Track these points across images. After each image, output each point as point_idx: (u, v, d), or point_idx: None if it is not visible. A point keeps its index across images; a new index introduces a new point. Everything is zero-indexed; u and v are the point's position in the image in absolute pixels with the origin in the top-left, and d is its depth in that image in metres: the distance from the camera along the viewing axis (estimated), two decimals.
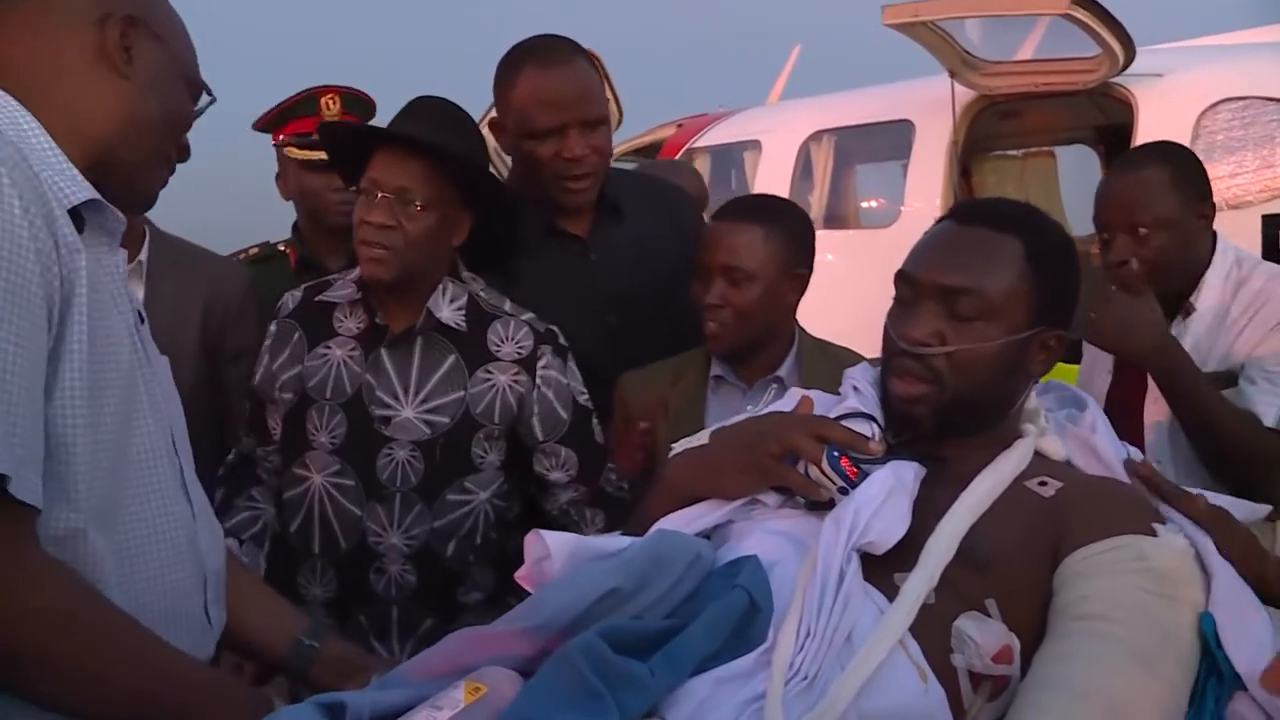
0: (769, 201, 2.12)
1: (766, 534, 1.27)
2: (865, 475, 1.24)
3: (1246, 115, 4.46)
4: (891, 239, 5.43)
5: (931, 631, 1.13)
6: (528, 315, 1.87)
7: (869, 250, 5.50)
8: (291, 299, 1.89)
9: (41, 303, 1.05)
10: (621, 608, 1.11)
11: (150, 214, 1.36)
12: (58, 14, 1.21)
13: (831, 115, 6.33)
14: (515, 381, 1.82)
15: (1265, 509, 1.47)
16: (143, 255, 2.27)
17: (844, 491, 1.23)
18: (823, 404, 1.47)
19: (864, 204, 6.72)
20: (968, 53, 5.07)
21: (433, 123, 1.79)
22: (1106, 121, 5.43)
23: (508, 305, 1.88)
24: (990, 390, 1.35)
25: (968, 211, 1.44)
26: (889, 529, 1.19)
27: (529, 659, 1.08)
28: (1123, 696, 1.07)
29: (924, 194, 5.52)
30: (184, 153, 1.32)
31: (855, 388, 1.44)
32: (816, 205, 6.16)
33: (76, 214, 1.16)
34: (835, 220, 6.15)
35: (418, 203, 1.73)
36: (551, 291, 1.98)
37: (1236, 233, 4.24)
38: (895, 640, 1.11)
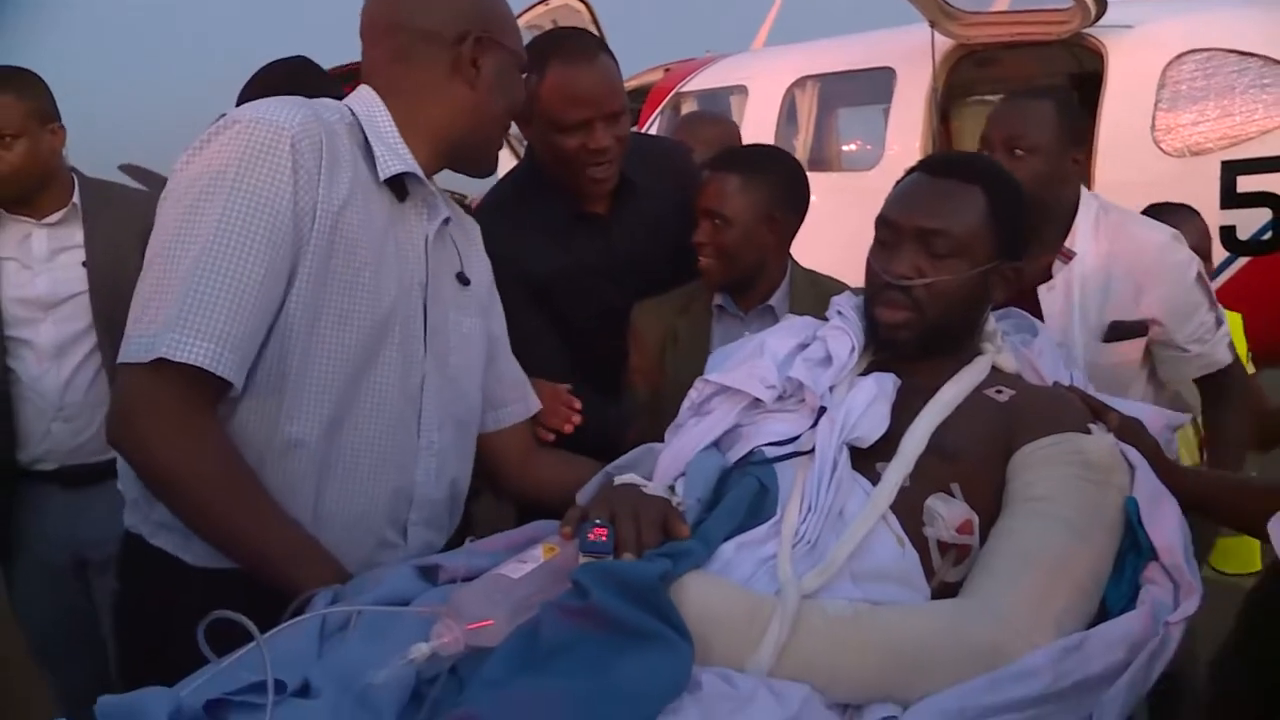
0: (757, 151, 2.28)
1: (770, 434, 1.52)
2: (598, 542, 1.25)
3: (1209, 66, 4.61)
4: (873, 181, 5.56)
5: (907, 509, 1.37)
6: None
7: (852, 191, 5.62)
8: None
9: (289, 246, 1.36)
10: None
11: None
12: (436, 38, 1.50)
13: (816, 62, 6.43)
14: None
15: (1185, 417, 1.71)
16: (75, 199, 2.51)
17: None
18: (807, 326, 1.70)
19: (847, 147, 6.84)
20: (947, 3, 5.18)
21: None
22: (1080, 69, 5.54)
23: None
24: (961, 315, 1.57)
25: (938, 165, 1.66)
26: (873, 427, 1.44)
27: None
28: (1061, 560, 1.30)
29: (904, 138, 5.66)
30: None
31: (840, 312, 1.66)
32: (801, 149, 6.29)
33: (399, 183, 1.49)
34: (819, 163, 6.26)
35: None
36: (583, 264, 2.16)
37: (1198, 177, 4.47)
38: (880, 515, 1.34)
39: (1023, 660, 1.21)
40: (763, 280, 2.14)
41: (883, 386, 1.49)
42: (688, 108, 6.84)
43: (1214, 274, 4.40)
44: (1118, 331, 2.19)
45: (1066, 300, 2.18)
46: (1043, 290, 2.18)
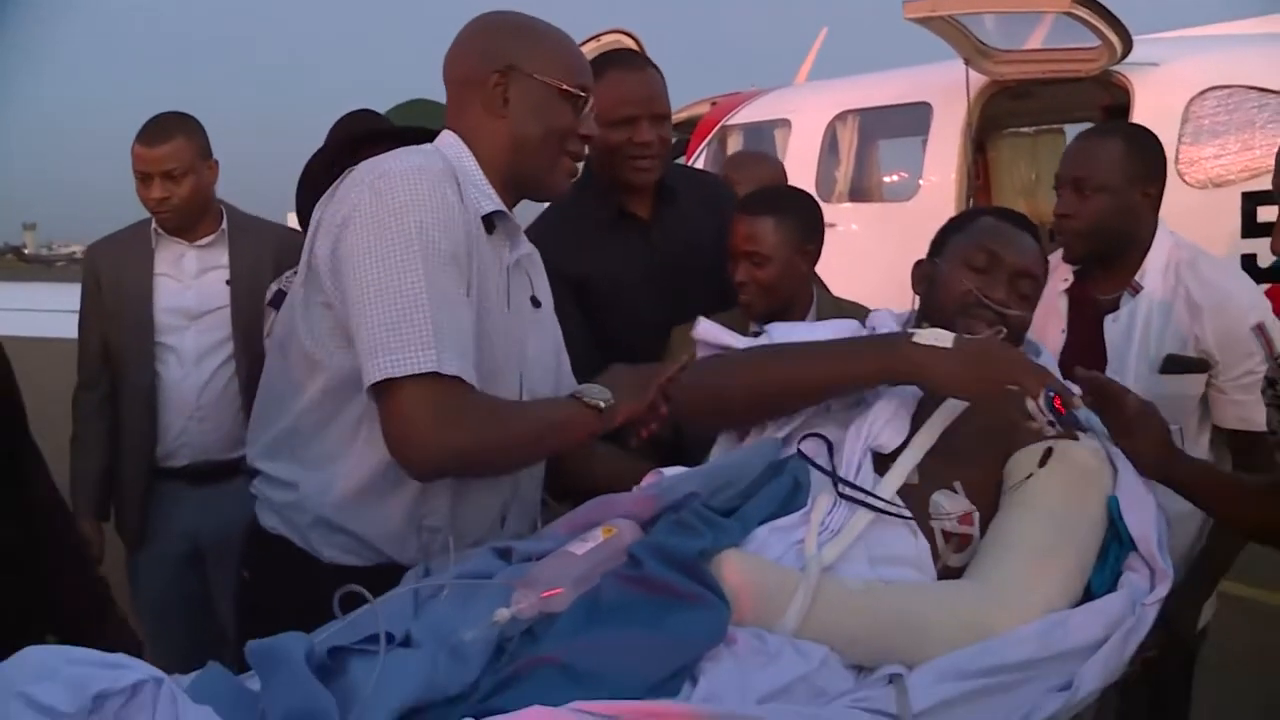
0: (779, 192, 2.58)
1: (811, 439, 1.73)
2: (1073, 415, 1.55)
3: (1231, 102, 4.84)
4: (911, 211, 5.79)
5: (917, 504, 1.59)
6: None
7: (891, 220, 5.85)
8: None
9: (467, 266, 1.59)
10: (717, 494, 1.59)
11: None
12: (471, 82, 1.69)
13: (856, 96, 6.69)
14: None
15: (1171, 428, 1.82)
16: (224, 225, 2.88)
17: (1052, 424, 1.55)
18: (850, 326, 1.93)
19: (886, 179, 7.04)
20: (981, 42, 5.42)
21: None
22: (1111, 101, 5.74)
23: None
24: (1017, 344, 1.80)
25: (1009, 216, 1.91)
26: (893, 435, 1.67)
27: (646, 521, 1.56)
28: (1049, 549, 1.53)
29: (941, 170, 5.89)
30: (586, 140, 1.75)
31: (876, 327, 1.90)
32: (842, 180, 6.53)
33: (489, 219, 1.68)
34: (860, 194, 6.50)
35: None
36: (622, 266, 2.42)
37: (1220, 208, 4.66)
38: (888, 496, 1.57)
39: (1013, 632, 1.42)
40: (796, 307, 2.39)
41: (904, 398, 1.72)
42: (734, 140, 7.10)
43: None
44: (1173, 364, 2.22)
45: (1128, 332, 2.25)
46: (1108, 321, 2.27)
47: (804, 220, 2.38)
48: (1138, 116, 5.03)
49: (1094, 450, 1.67)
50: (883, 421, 1.69)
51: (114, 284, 2.85)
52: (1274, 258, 4.57)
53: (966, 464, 1.66)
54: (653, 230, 2.49)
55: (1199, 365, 2.22)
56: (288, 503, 1.69)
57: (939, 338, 1.65)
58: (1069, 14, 4.70)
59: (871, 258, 4.50)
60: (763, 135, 7.03)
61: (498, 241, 1.72)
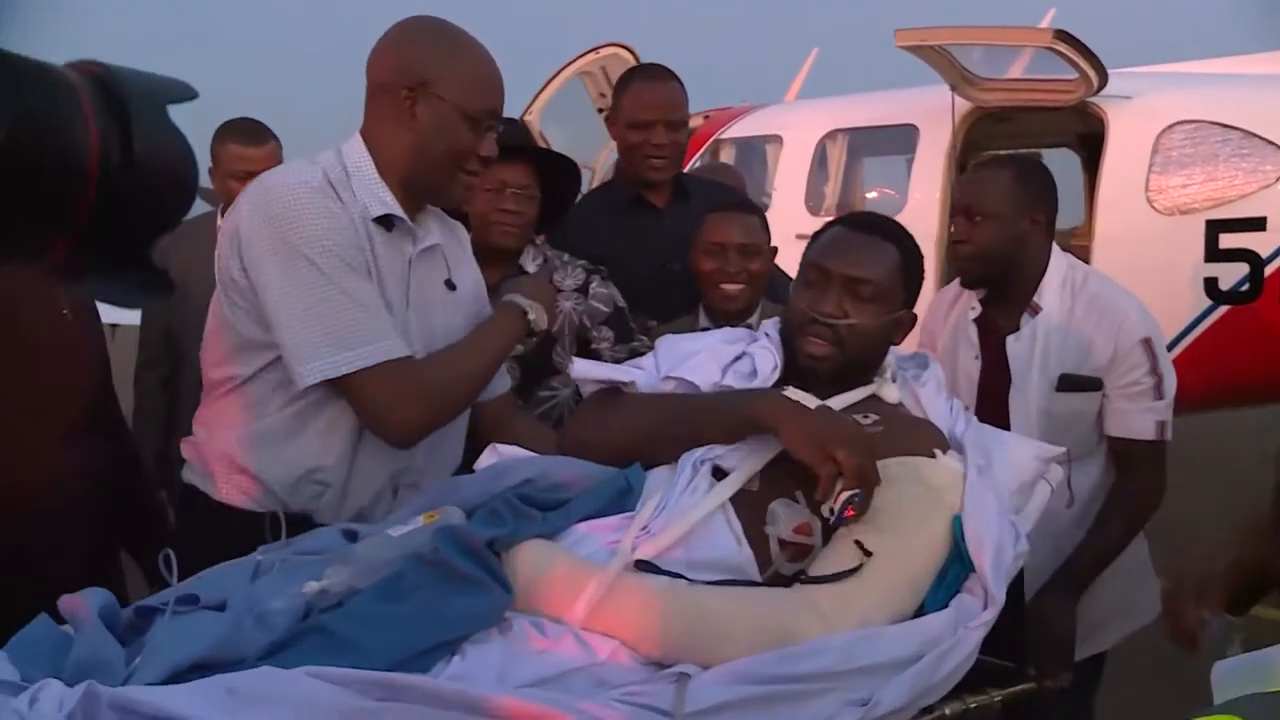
0: (746, 201, 2.84)
1: None
2: (846, 520, 1.53)
3: (1197, 136, 5.02)
4: None
5: (753, 510, 1.58)
6: (581, 261, 2.55)
7: None
8: None
9: (360, 260, 1.72)
10: (551, 491, 1.67)
11: None
12: (385, 89, 1.77)
13: (846, 116, 6.84)
14: (576, 303, 2.49)
15: (1057, 450, 1.87)
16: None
17: (829, 513, 1.53)
18: (741, 336, 1.94)
19: (872, 196, 7.23)
20: (967, 70, 5.58)
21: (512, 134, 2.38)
22: (1086, 130, 5.91)
23: (565, 256, 2.55)
24: (871, 352, 1.79)
25: (862, 222, 1.87)
26: (735, 458, 1.66)
27: (474, 508, 1.64)
28: (875, 564, 1.50)
29: (926, 189, 6.04)
30: (485, 161, 1.83)
31: (766, 334, 1.90)
32: (830, 196, 6.70)
33: (387, 219, 1.77)
34: (846, 209, 6.55)
35: (531, 194, 2.42)
36: (632, 244, 2.69)
37: (1185, 234, 4.87)
38: (718, 504, 1.57)
39: (814, 641, 1.39)
40: (753, 307, 2.58)
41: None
42: (726, 153, 7.23)
43: (1197, 321, 4.86)
44: (1068, 383, 2.32)
45: (1030, 350, 2.35)
46: (1010, 340, 2.37)
47: (768, 228, 2.61)
48: (1112, 146, 5.22)
49: (949, 469, 1.67)
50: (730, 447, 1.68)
51: (182, 273, 3.06)
52: (1233, 281, 4.93)
53: (808, 473, 1.58)
54: (665, 217, 2.76)
55: (1092, 384, 2.32)
56: (199, 444, 1.83)
57: (804, 398, 1.66)
58: (1050, 48, 4.88)
59: None
60: (755, 149, 7.17)
61: (399, 237, 1.81)
